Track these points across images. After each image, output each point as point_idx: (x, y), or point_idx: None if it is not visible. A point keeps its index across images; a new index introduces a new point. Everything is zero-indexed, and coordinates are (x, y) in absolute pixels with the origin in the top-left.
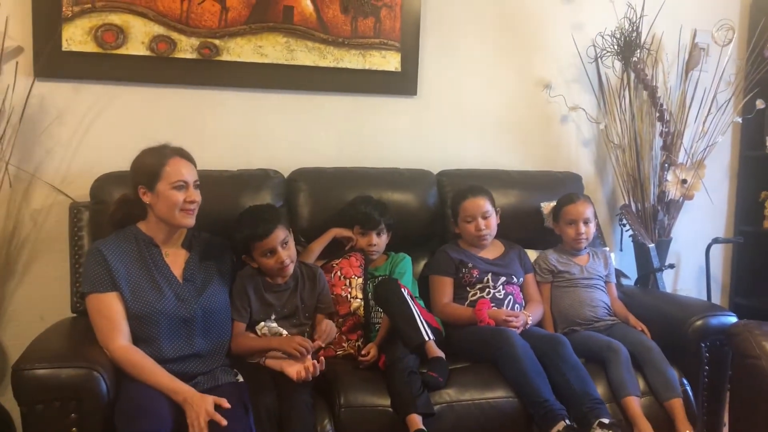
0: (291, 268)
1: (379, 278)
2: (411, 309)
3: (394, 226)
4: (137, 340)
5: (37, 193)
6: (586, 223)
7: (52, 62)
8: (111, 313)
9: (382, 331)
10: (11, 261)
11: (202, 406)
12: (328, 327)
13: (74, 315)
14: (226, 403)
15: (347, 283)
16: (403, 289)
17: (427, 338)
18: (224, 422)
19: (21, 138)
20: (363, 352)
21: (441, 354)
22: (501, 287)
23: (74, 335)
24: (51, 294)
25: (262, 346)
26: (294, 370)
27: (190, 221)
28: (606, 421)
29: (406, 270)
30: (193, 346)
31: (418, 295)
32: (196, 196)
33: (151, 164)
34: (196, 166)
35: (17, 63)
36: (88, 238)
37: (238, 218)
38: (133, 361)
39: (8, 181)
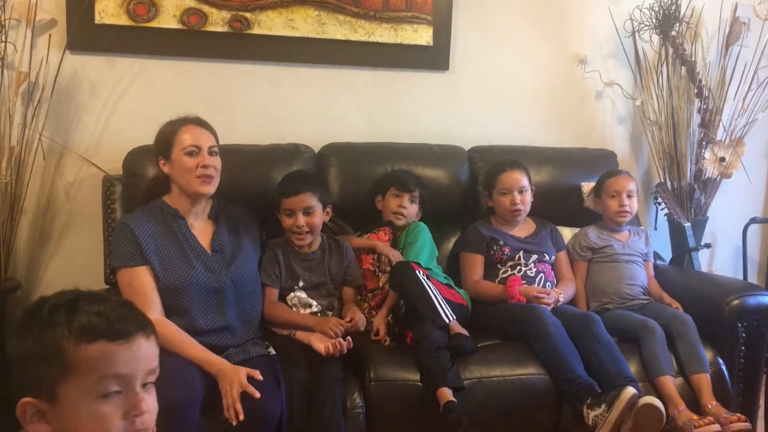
0: (305, 239)
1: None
2: (428, 292)
3: (426, 200)
4: (170, 312)
5: (70, 166)
6: (629, 196)
7: (85, 35)
8: (142, 287)
9: (389, 302)
10: (46, 232)
11: (235, 377)
12: (360, 318)
13: (108, 287)
14: (258, 375)
15: (375, 258)
16: (418, 272)
17: (447, 320)
18: (257, 394)
19: (53, 110)
20: (373, 333)
21: (464, 332)
22: (532, 265)
23: None
24: (85, 265)
25: (297, 321)
26: (323, 345)
27: (207, 188)
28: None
29: (418, 239)
30: (226, 319)
31: (436, 264)
32: (211, 161)
33: (166, 134)
34: (215, 134)
35: (50, 36)
36: (120, 211)
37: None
38: (166, 334)
39: (42, 153)
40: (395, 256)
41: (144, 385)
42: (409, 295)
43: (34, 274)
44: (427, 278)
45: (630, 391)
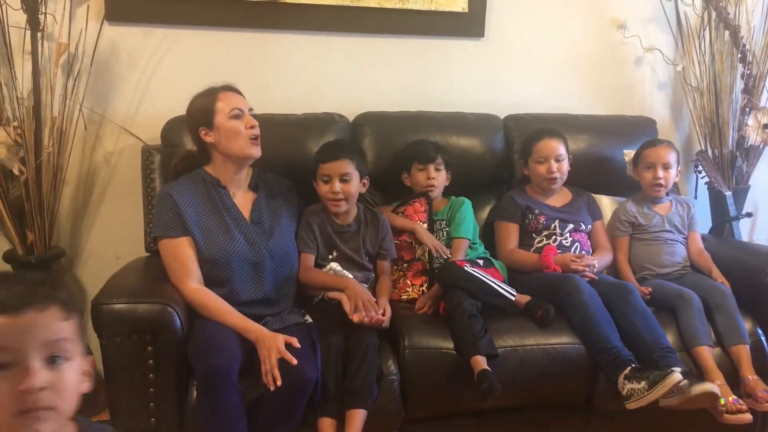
0: (341, 206)
1: (439, 263)
2: (484, 282)
3: (453, 165)
4: (211, 283)
5: (109, 136)
6: (666, 168)
7: (122, 6)
8: (183, 257)
9: (433, 293)
10: (87, 201)
11: (273, 344)
12: (388, 315)
13: (148, 254)
14: (296, 342)
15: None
16: (465, 267)
17: (513, 297)
18: (294, 361)
19: (93, 81)
20: (417, 307)
21: (528, 297)
22: (568, 234)
23: (149, 274)
24: (125, 234)
25: (334, 284)
26: (356, 315)
27: (257, 151)
28: (679, 370)
29: (466, 215)
30: (263, 290)
31: (479, 240)
32: (255, 121)
33: (203, 104)
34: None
35: (88, 6)
36: (159, 180)
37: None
38: (206, 302)
39: (83, 123)
40: (435, 244)
41: (52, 360)
42: (471, 294)
43: (77, 242)
44: (472, 267)
45: (676, 377)
